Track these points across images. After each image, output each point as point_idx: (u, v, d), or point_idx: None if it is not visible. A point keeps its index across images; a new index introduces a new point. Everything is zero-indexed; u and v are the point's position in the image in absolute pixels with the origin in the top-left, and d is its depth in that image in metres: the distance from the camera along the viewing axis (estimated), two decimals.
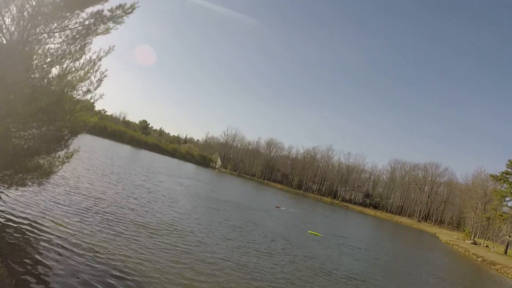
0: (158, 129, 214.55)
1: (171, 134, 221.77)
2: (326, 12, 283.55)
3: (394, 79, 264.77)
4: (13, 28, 10.81)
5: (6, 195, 15.46)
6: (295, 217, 46.65)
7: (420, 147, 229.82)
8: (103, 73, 12.31)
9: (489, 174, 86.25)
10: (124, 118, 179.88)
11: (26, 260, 10.27)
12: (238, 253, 18.38)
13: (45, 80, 11.45)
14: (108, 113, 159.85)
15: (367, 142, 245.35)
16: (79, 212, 17.18)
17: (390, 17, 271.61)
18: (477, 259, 53.12)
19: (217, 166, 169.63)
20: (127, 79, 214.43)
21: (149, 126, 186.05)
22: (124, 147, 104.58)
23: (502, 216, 70.97)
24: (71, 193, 20.78)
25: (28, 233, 12.30)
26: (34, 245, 11.48)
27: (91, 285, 10.14)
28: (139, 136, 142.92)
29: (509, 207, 74.76)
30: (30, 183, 12.15)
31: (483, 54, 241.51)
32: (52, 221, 14.39)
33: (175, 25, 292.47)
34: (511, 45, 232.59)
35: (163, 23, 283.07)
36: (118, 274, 11.30)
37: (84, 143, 12.54)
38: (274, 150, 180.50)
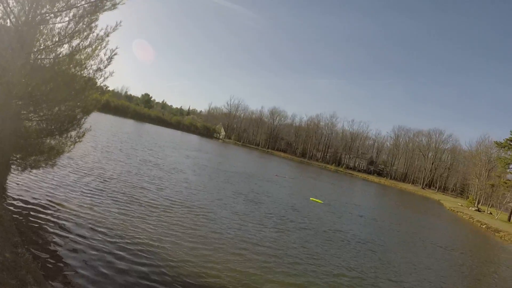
0: (160, 102, 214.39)
1: (174, 106, 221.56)
2: None
3: (397, 44, 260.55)
4: (17, 10, 10.53)
5: (15, 177, 15.32)
6: (302, 186, 46.89)
7: (424, 113, 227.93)
8: (113, 50, 12.06)
9: (494, 141, 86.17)
10: (126, 92, 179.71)
11: (47, 245, 10.25)
12: (255, 229, 18.35)
13: (54, 60, 11.22)
14: (110, 88, 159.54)
15: (371, 108, 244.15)
16: (90, 193, 16.92)
17: None
18: (482, 226, 53.29)
19: (221, 137, 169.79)
20: (127, 52, 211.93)
21: (152, 99, 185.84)
22: (128, 121, 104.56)
23: (506, 183, 70.90)
24: (80, 174, 20.55)
25: (44, 216, 12.24)
26: (51, 229, 11.42)
27: (115, 267, 10.17)
28: (142, 110, 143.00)
29: None
30: (43, 165, 12.10)
31: (492, 20, 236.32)
32: (64, 203, 14.24)
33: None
34: None
35: None
36: (136, 259, 11.21)
37: (88, 119, 12.30)
38: (278, 118, 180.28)
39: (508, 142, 74.58)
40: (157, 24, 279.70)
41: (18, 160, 11.56)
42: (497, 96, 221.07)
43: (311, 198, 34.75)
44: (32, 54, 10.65)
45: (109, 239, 11.88)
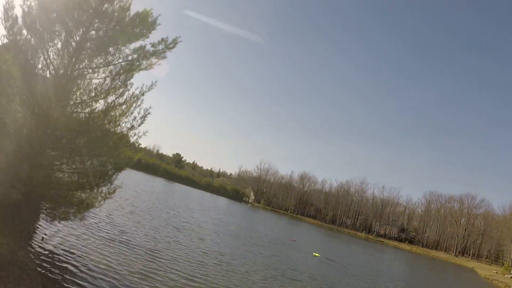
0: (191, 162, 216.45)
1: (204, 168, 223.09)
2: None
3: (426, 107, 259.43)
4: (57, 63, 10.96)
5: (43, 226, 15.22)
6: (337, 258, 45.51)
7: (455, 177, 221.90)
8: (147, 109, 12.27)
9: None
10: (157, 151, 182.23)
11: None
12: None
13: (90, 114, 11.51)
14: (142, 145, 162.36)
15: (402, 174, 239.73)
16: (116, 254, 16.34)
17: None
18: None
19: (250, 201, 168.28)
20: (161, 111, 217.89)
21: (183, 159, 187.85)
22: (158, 180, 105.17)
23: None
24: (108, 231, 20.07)
25: (67, 270, 12.10)
26: (74, 284, 11.26)
27: None
28: (173, 170, 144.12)
29: None
30: (72, 217, 12.10)
31: None
32: (89, 259, 14.01)
33: (197, 55, 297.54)
34: None
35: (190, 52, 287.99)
36: None
37: (118, 176, 12.03)
38: (307, 184, 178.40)
39: None
40: (188, 81, 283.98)
41: (47, 210, 11.63)
42: None
43: (313, 253, 35.31)
44: (68, 107, 10.96)
45: None
